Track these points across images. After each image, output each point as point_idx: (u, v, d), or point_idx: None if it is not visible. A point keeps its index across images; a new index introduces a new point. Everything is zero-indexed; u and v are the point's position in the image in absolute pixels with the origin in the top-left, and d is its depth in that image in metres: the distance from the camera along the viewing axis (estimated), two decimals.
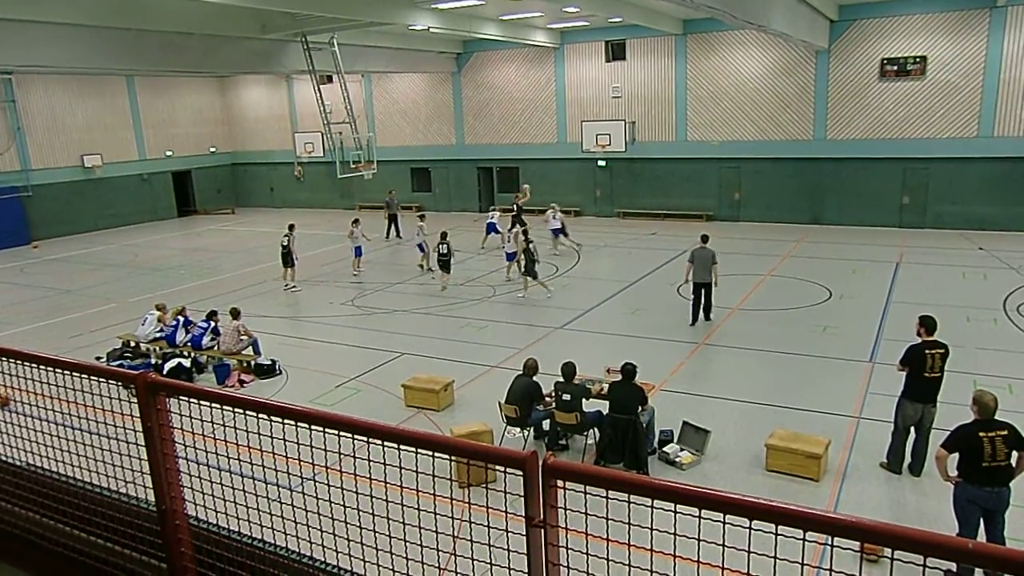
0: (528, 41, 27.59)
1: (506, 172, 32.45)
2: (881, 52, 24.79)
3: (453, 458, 2.62)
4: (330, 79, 29.31)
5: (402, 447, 2.53)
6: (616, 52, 29.08)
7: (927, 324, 9.02)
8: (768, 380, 12.51)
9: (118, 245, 29.42)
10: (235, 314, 14.15)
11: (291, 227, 20.43)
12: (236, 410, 2.90)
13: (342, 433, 2.66)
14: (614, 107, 29.24)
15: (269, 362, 13.65)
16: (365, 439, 2.60)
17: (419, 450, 2.52)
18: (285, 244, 20.03)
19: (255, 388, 12.98)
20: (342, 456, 2.83)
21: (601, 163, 29.87)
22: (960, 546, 1.76)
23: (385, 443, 2.55)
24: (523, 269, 18.31)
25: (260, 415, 2.82)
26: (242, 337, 13.86)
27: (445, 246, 18.93)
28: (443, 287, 19.08)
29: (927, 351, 8.81)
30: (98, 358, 14.00)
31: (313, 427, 2.71)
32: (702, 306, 15.46)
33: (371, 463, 2.78)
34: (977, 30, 23.51)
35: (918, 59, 24.33)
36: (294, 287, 20.00)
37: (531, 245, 18.34)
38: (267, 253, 25.91)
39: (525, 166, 31.68)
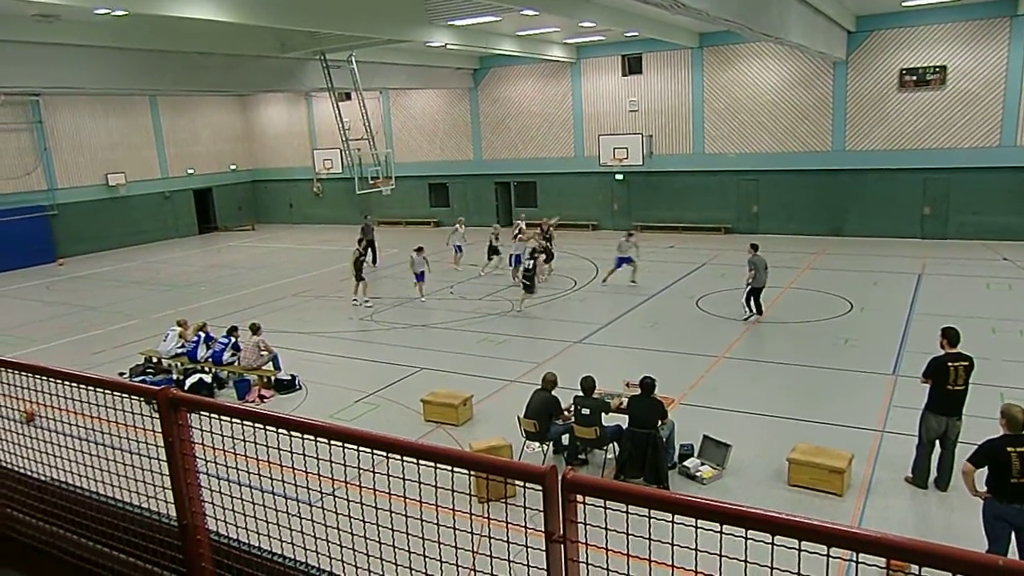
0: (545, 56, 27.73)
1: (524, 187, 32.54)
2: (900, 62, 24.63)
3: (472, 473, 2.62)
4: (348, 96, 29.65)
5: (421, 462, 2.54)
6: (633, 66, 29.14)
7: (950, 336, 8.90)
8: (789, 393, 12.38)
9: (141, 262, 29.78)
10: (255, 329, 14.25)
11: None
12: (256, 425, 2.92)
13: (361, 448, 2.67)
14: (631, 121, 29.27)
15: (289, 377, 13.72)
16: (384, 454, 2.60)
17: (438, 465, 2.51)
18: (361, 251, 20.29)
19: (275, 403, 13.04)
20: (362, 471, 2.83)
21: (618, 177, 29.87)
22: (989, 563, 1.73)
23: (404, 458, 2.55)
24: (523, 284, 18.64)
25: (280, 430, 2.84)
26: (262, 352, 13.95)
27: (531, 262, 18.57)
28: (519, 305, 18.39)
29: (950, 363, 8.69)
30: (121, 374, 14.15)
31: (332, 442, 2.72)
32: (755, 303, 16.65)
33: (390, 478, 2.78)
34: (998, 39, 23.30)
35: (937, 69, 24.14)
36: (365, 302, 19.74)
37: (534, 262, 18.69)
38: (287, 268, 26.14)
39: (542, 181, 31.76)
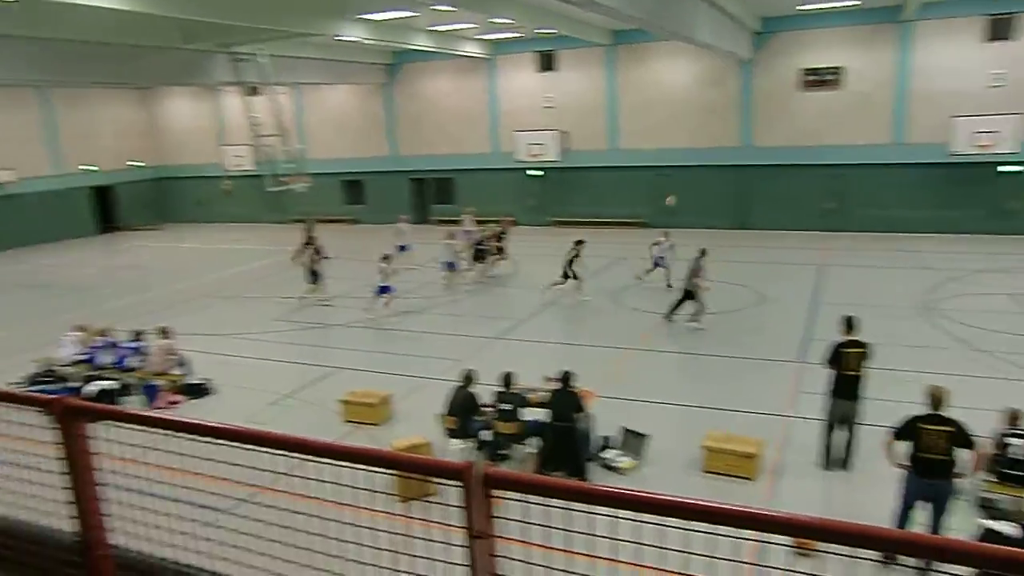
0: (460, 52, 27.66)
1: (441, 183, 32.38)
2: (801, 63, 25.76)
3: (393, 472, 2.58)
4: (258, 91, 28.78)
5: (340, 463, 2.48)
6: (548, 63, 29.40)
7: (847, 324, 9.40)
8: (703, 383, 12.77)
9: (32, 265, 28.12)
10: (164, 333, 13.68)
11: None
12: (164, 432, 2.80)
13: (276, 452, 2.59)
14: (547, 117, 29.52)
15: (200, 381, 13.23)
16: (302, 456, 2.53)
17: (358, 466, 2.47)
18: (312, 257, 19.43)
19: (186, 409, 12.55)
20: (278, 475, 2.75)
21: (535, 172, 30.09)
22: (883, 535, 1.82)
23: (322, 460, 2.49)
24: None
25: (190, 436, 2.73)
26: (171, 356, 13.40)
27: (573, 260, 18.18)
28: (580, 293, 18.38)
29: (845, 349, 9.18)
30: (14, 383, 13.32)
31: (246, 446, 2.62)
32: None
33: (309, 481, 2.71)
34: (888, 42, 24.67)
35: (835, 69, 25.36)
36: (325, 301, 19.12)
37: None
38: (198, 269, 25.21)
39: (460, 177, 31.68)
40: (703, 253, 15.83)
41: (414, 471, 2.54)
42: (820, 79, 25.64)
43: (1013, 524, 7.60)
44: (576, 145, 29.25)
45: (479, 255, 20.87)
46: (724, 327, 15.78)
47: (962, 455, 7.26)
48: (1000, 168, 23.88)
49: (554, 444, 9.49)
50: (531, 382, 10.85)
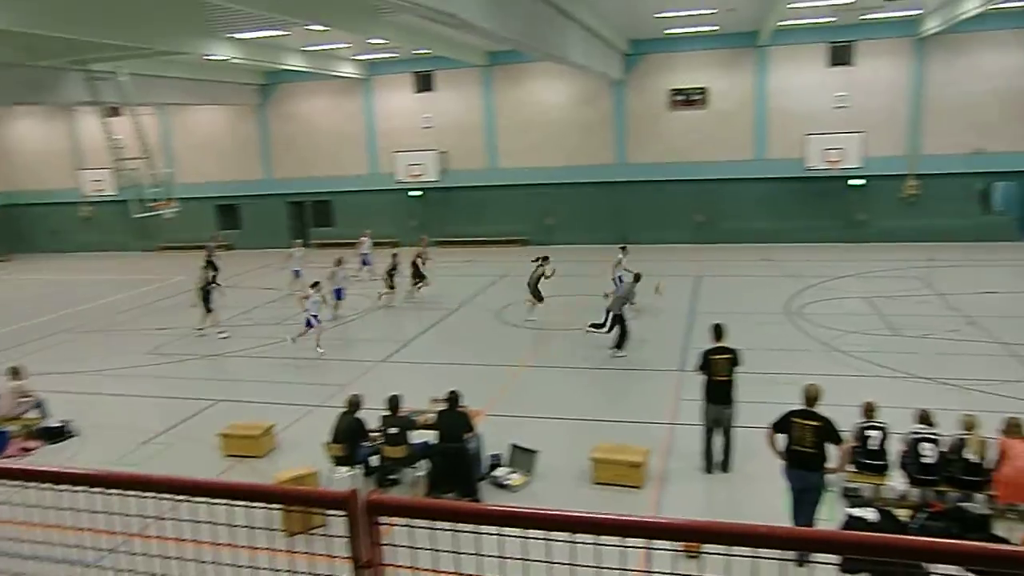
0: (335, 72, 27.25)
1: (319, 206, 31.66)
2: (669, 83, 27.05)
3: (275, 507, 2.46)
4: (118, 111, 27.23)
5: (218, 501, 2.35)
6: (425, 83, 29.45)
7: (715, 331, 9.89)
8: (589, 395, 13.04)
9: None
10: (15, 373, 12.59)
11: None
12: (17, 483, 2.56)
13: (148, 494, 2.43)
14: (426, 137, 29.51)
15: (58, 424, 12.25)
16: (177, 497, 2.38)
17: (237, 502, 2.35)
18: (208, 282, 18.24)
19: (44, 455, 11.59)
20: (152, 520, 2.57)
21: (415, 193, 29.97)
22: (753, 532, 1.90)
23: (199, 499, 2.35)
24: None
25: (48, 485, 2.51)
26: (23, 399, 12.33)
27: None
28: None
29: (713, 356, 9.62)
30: None
31: (114, 491, 2.44)
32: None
33: (185, 523, 2.55)
34: (747, 66, 26.33)
35: (700, 90, 26.80)
36: (220, 332, 18.00)
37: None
38: (56, 302, 23.42)
39: (338, 199, 31.10)
40: (637, 278, 15.52)
41: (296, 503, 2.44)
42: (687, 99, 27.01)
43: (873, 509, 8.17)
44: (456, 165, 29.38)
45: (390, 278, 20.18)
46: (608, 340, 16.17)
47: (831, 450, 7.74)
48: (849, 182, 25.85)
49: (444, 466, 9.40)
50: (418, 404, 10.73)
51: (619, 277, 18.10)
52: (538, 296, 17.71)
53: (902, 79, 25.34)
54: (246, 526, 2.62)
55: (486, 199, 29.38)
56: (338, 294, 18.84)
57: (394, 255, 20.52)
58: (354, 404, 9.76)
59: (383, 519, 2.23)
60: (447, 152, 29.28)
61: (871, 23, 24.14)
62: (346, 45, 24.16)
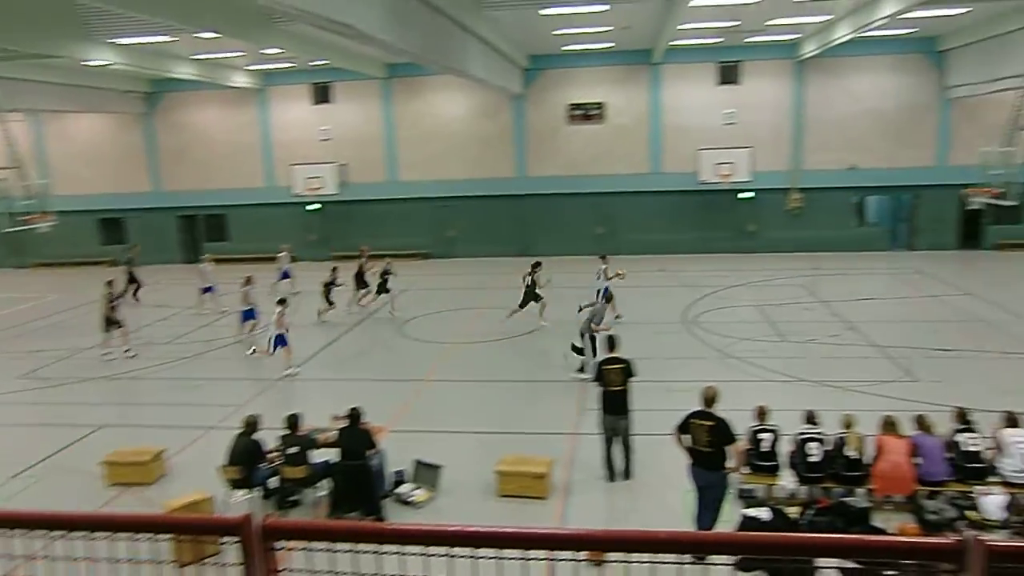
0: (227, 82, 26.37)
1: (212, 220, 30.46)
2: (568, 98, 27.62)
3: (163, 537, 2.32)
4: None
5: (100, 535, 2.18)
6: (323, 94, 28.92)
7: (608, 343, 10.15)
8: (494, 408, 13.03)
9: None
10: None
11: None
12: None
13: (20, 531, 2.23)
14: (324, 149, 28.95)
15: None
16: (51, 534, 2.20)
17: (121, 535, 2.19)
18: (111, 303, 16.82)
19: None
20: (23, 559, 2.37)
21: (313, 207, 29.32)
22: (652, 539, 1.93)
23: (78, 534, 2.18)
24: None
25: None
26: None
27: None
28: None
29: (606, 367, 9.83)
30: None
31: None
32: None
33: (60, 562, 2.36)
34: (642, 82, 27.22)
35: (598, 105, 27.50)
36: (126, 351, 16.79)
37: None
38: None
39: (233, 213, 30.03)
40: (609, 299, 14.90)
41: (186, 532, 2.30)
42: (585, 114, 27.64)
43: (766, 509, 8.51)
44: (355, 178, 28.94)
45: (327, 293, 19.35)
46: (512, 352, 16.28)
47: (728, 450, 8.03)
48: (739, 195, 27.06)
49: (346, 485, 9.17)
50: (319, 422, 10.44)
51: (604, 289, 17.54)
52: (526, 301, 17.77)
53: (785, 98, 26.79)
54: (131, 560, 2.46)
55: (387, 212, 29.05)
56: (250, 314, 17.46)
57: (333, 268, 19.83)
58: (251, 424, 9.41)
59: (279, 544, 2.14)
60: (346, 165, 28.81)
61: (755, 45, 25.43)
62: (239, 54, 23.42)
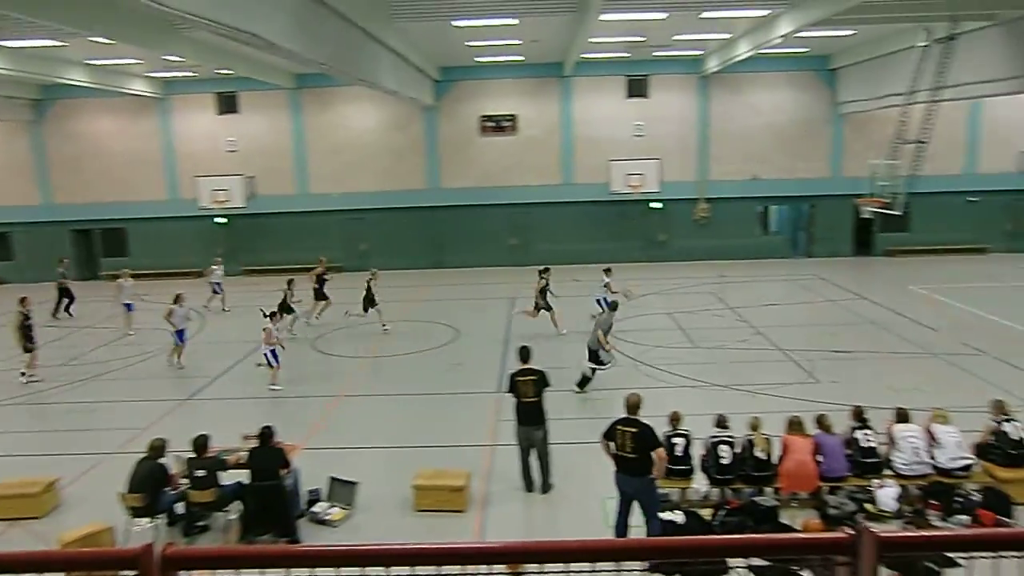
0: (125, 90, 25.26)
1: (110, 234, 29.03)
2: (480, 110, 27.74)
3: (55, 574, 2.15)
4: None
5: None
6: (228, 104, 28.08)
7: (520, 354, 10.15)
8: (409, 422, 12.88)
9: None
10: None
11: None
12: None
13: None
14: (231, 161, 28.08)
15: None
16: None
17: None
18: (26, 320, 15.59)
19: None
20: None
21: (220, 220, 28.38)
22: (565, 548, 1.93)
23: None
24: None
25: None
26: None
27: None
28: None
29: (518, 378, 9.86)
30: None
31: None
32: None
33: None
34: (553, 94, 27.64)
35: (510, 117, 27.74)
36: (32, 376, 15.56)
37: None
38: None
39: (133, 226, 28.72)
40: (614, 307, 14.67)
41: (79, 567, 2.15)
42: (498, 125, 27.83)
43: (681, 512, 8.71)
44: (264, 190, 28.17)
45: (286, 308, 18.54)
46: (427, 365, 16.14)
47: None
48: (650, 205, 27.76)
49: (258, 506, 8.87)
50: (228, 443, 10.06)
51: (604, 298, 17.66)
52: (538, 309, 17.91)
53: (690, 112, 27.72)
54: None
55: (297, 226, 28.40)
56: (180, 336, 16.45)
57: (289, 281, 19.07)
58: (156, 449, 8.97)
59: (182, 574, 2.02)
60: (254, 177, 28.02)
61: (662, 60, 26.22)
62: (137, 61, 22.46)
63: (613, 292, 18.08)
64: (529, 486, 9.94)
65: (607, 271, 19.02)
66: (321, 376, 15.63)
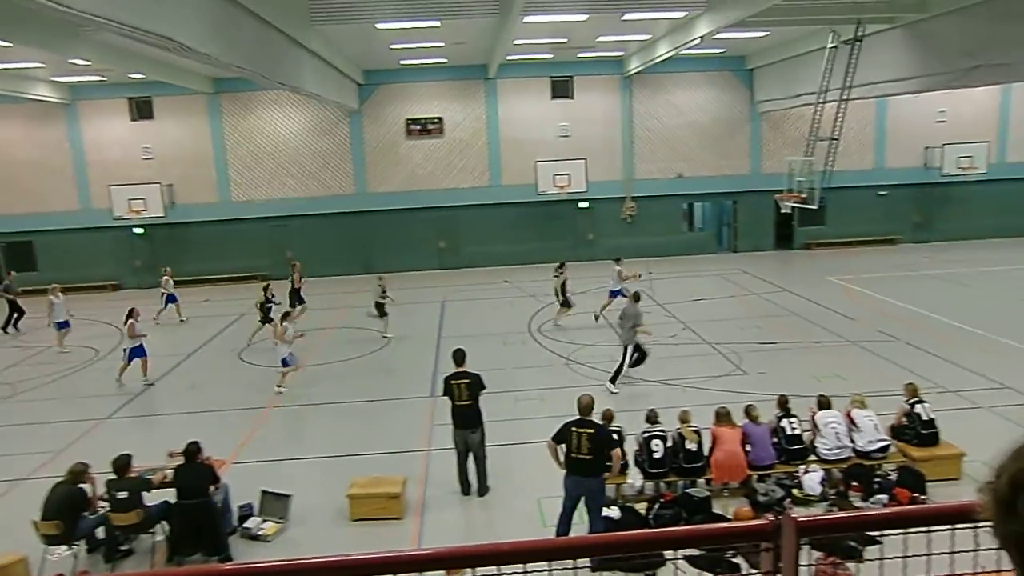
0: (28, 95, 24.02)
1: (16, 247, 27.55)
2: (406, 113, 27.52)
3: None
4: None
5: None
6: (143, 110, 27.06)
7: (454, 357, 10.13)
8: (343, 431, 12.66)
9: None
10: None
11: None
12: None
13: None
14: (147, 169, 27.06)
15: None
16: None
17: None
18: None
19: None
20: None
21: (138, 230, 27.33)
22: (500, 551, 1.92)
23: None
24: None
25: None
26: None
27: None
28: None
29: (453, 382, 9.83)
30: None
31: None
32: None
33: None
34: (479, 97, 27.64)
35: (436, 120, 27.62)
36: None
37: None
38: None
39: (41, 239, 27.35)
40: (636, 298, 14.32)
41: None
42: (424, 128, 27.66)
43: (616, 508, 8.82)
44: (184, 198, 27.27)
45: (265, 313, 18.12)
46: (360, 372, 15.91)
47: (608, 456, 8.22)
48: (579, 205, 28.06)
49: (186, 525, 8.56)
50: (153, 461, 9.68)
51: (620, 290, 17.86)
52: (567, 303, 18.32)
53: (615, 112, 28.15)
54: None
55: (220, 234, 27.59)
56: (139, 351, 15.52)
57: (266, 287, 18.66)
58: (76, 474, 8.55)
59: None
60: (172, 185, 27.09)
61: (586, 61, 26.54)
62: (37, 65, 21.34)
63: (624, 279, 18.28)
64: (466, 489, 9.90)
65: (617, 260, 19.14)
66: (249, 388, 15.19)
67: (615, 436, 9.35)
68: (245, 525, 9.20)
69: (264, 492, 9.54)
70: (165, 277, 21.76)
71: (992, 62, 15.47)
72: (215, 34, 11.48)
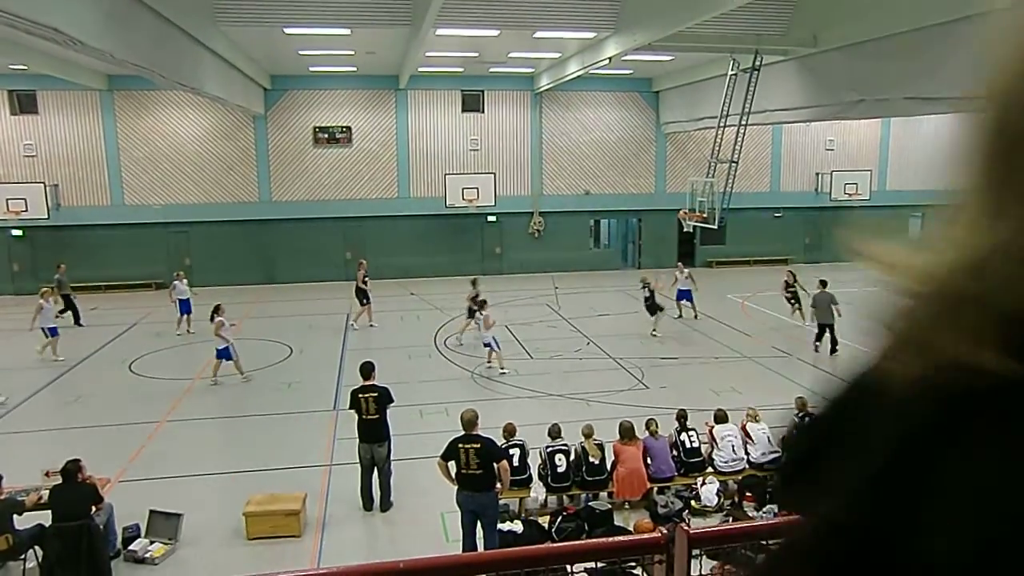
0: None
1: None
2: (313, 121, 26.94)
3: None
4: None
5: None
6: (25, 104, 25.42)
7: (362, 370, 9.98)
8: (240, 446, 12.19)
9: None
10: None
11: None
12: None
13: None
14: (29, 167, 25.43)
15: None
16: None
17: None
18: None
19: None
20: None
21: (16, 232, 25.59)
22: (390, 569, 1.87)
23: None
24: None
25: None
26: None
27: None
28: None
29: (360, 395, 9.68)
30: None
31: None
32: (828, 341, 16.63)
33: None
34: (389, 107, 27.39)
35: (345, 128, 27.16)
36: None
37: None
38: None
39: None
40: (649, 291, 16.24)
41: None
42: (332, 137, 27.16)
43: (519, 522, 8.82)
44: (70, 200, 25.76)
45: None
46: (259, 386, 15.36)
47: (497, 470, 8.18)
48: (488, 218, 28.15)
49: (63, 550, 7.99)
50: (27, 481, 9.02)
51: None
52: (653, 310, 18.95)
53: (525, 127, 28.46)
54: None
55: (111, 239, 26.16)
56: (226, 352, 15.26)
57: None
58: None
59: None
60: (58, 185, 25.55)
61: (498, 76, 26.73)
62: None
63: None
64: (368, 505, 9.69)
65: (679, 267, 21.10)
66: (141, 401, 14.39)
67: (517, 448, 9.37)
68: (130, 548, 8.70)
69: (152, 512, 9.04)
70: (176, 282, 20.15)
71: (873, 97, 16.54)
72: (109, 28, 10.91)
